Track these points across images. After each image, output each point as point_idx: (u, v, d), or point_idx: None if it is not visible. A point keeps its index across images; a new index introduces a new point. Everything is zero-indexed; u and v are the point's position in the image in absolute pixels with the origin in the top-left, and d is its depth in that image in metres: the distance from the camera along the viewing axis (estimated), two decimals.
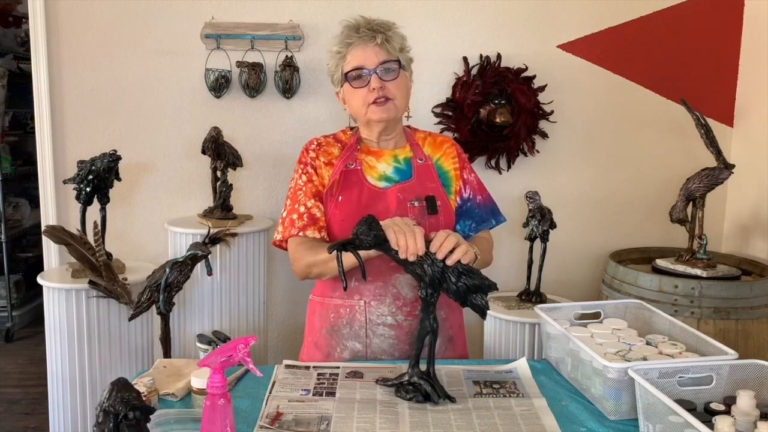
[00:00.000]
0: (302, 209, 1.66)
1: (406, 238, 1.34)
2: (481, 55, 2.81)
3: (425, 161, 1.72)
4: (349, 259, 1.45)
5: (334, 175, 1.67)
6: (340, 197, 1.65)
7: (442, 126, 2.83)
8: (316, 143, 1.74)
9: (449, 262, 1.36)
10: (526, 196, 2.56)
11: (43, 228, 2.53)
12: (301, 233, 1.64)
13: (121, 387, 1.05)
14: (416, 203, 1.64)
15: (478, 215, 1.75)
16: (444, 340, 1.68)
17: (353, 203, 1.64)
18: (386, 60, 1.62)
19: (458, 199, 1.73)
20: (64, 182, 2.57)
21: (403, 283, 1.63)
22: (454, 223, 1.71)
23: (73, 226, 2.46)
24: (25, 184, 4.61)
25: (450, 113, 2.83)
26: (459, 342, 1.75)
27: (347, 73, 1.64)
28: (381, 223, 1.39)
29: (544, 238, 2.50)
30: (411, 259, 1.35)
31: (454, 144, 1.80)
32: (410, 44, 1.71)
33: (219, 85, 2.75)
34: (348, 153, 1.70)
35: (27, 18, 2.82)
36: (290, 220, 1.67)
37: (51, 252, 2.81)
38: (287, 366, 1.56)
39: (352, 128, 1.78)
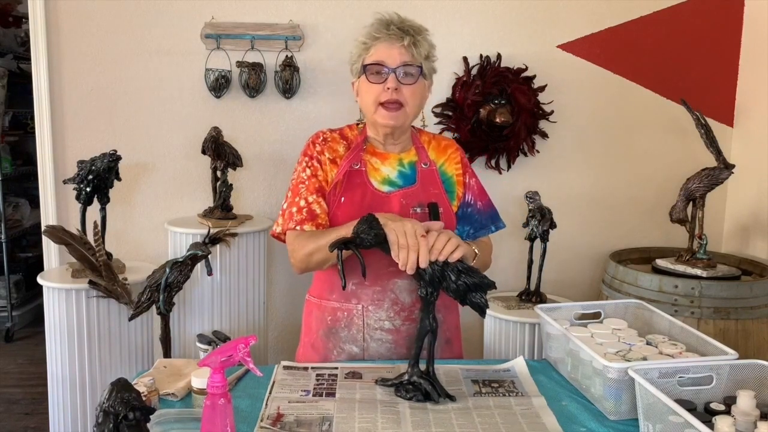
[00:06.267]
0: (302, 203, 1.63)
1: (408, 253, 1.34)
2: (481, 55, 2.81)
3: (429, 166, 1.70)
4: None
5: (338, 175, 1.65)
6: (343, 198, 1.63)
7: (442, 126, 2.83)
8: (322, 137, 1.70)
9: (451, 260, 1.36)
10: (526, 196, 2.56)
11: (43, 228, 2.53)
12: (298, 227, 1.61)
13: (121, 387, 1.04)
14: (419, 209, 1.63)
15: (477, 221, 1.74)
16: (441, 342, 1.67)
17: (356, 205, 1.62)
18: (409, 63, 1.59)
19: (458, 203, 1.72)
20: (64, 182, 2.57)
21: (401, 288, 1.62)
22: (455, 229, 1.69)
23: (73, 226, 2.46)
24: (25, 184, 4.61)
25: (450, 113, 2.83)
26: (456, 344, 1.75)
27: (367, 65, 1.61)
28: (390, 222, 1.39)
29: (544, 238, 2.50)
30: (409, 272, 1.36)
31: (459, 148, 1.78)
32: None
33: (219, 85, 2.75)
34: (353, 153, 1.67)
35: (27, 18, 2.82)
36: (289, 213, 1.64)
37: (51, 252, 2.81)
38: (285, 367, 1.56)
39: (358, 123, 1.75)
